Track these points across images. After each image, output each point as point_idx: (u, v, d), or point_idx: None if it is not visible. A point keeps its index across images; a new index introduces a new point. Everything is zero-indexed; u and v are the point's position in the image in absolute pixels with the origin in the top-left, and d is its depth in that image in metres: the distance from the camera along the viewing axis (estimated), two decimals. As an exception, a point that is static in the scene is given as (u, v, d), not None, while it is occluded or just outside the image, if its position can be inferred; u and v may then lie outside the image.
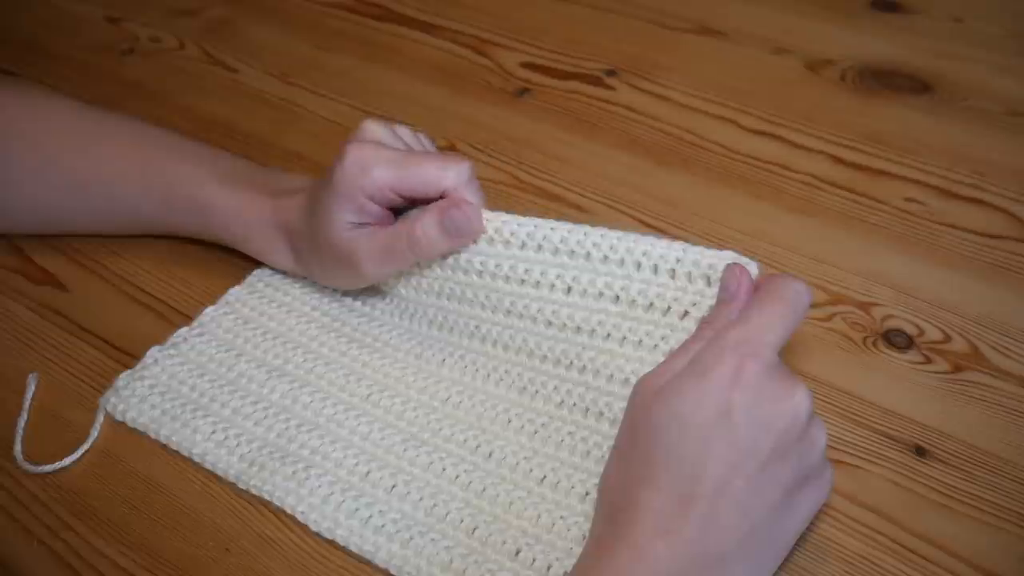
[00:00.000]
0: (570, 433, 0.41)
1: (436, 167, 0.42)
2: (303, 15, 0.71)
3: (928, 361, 0.45)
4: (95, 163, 0.49)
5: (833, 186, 0.54)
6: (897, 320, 0.47)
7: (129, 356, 0.47)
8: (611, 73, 0.64)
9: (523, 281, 0.43)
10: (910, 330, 0.46)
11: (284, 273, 0.50)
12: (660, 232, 0.52)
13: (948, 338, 0.46)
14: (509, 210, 0.46)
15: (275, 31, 0.70)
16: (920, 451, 0.41)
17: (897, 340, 0.46)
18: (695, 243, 0.50)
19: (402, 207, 0.44)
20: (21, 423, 0.44)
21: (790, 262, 0.50)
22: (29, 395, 0.45)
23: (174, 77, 0.66)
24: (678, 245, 0.40)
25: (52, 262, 0.52)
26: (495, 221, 0.43)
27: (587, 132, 0.59)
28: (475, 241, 0.43)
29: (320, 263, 0.46)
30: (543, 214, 0.53)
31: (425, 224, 0.42)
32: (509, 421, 0.43)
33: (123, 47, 0.69)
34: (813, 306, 0.47)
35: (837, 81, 0.61)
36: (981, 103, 0.59)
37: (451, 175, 0.42)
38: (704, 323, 0.37)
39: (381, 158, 0.42)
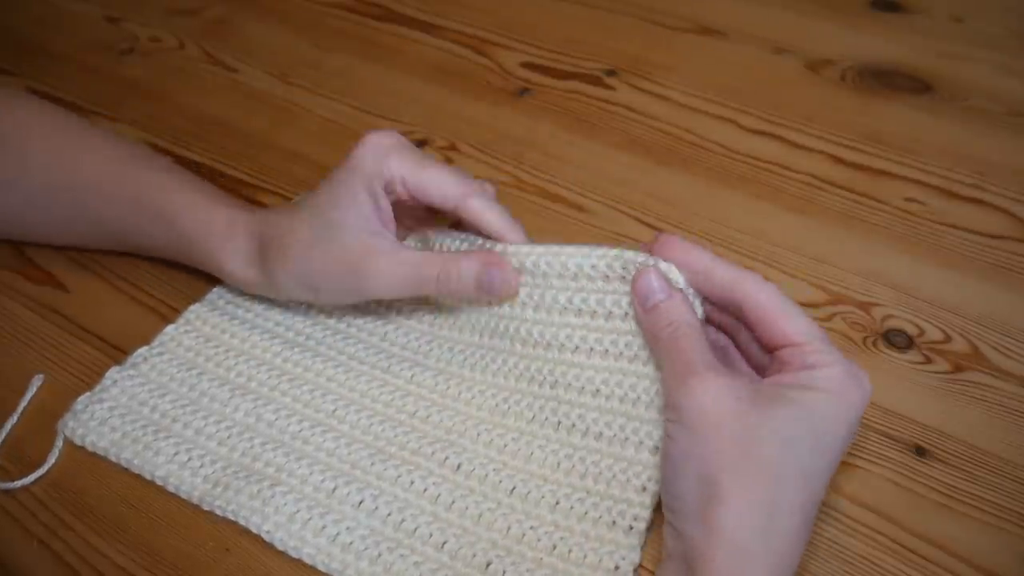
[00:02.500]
0: (540, 447, 0.41)
1: (454, 179, 0.42)
2: (303, 15, 0.71)
3: (928, 361, 0.45)
4: (69, 170, 0.48)
5: (833, 186, 0.54)
6: (897, 320, 0.47)
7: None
8: (611, 73, 0.64)
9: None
10: (910, 330, 0.46)
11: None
12: (660, 232, 0.52)
13: (948, 338, 0.46)
14: (510, 210, 0.46)
15: (275, 31, 0.70)
16: (920, 451, 0.41)
17: (897, 340, 0.46)
18: (694, 243, 0.51)
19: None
20: (8, 426, 0.44)
21: (790, 262, 0.50)
22: (28, 397, 0.45)
23: (174, 77, 0.66)
24: (604, 251, 0.40)
25: (52, 262, 0.52)
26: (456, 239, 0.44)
27: (587, 132, 0.59)
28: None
29: (308, 273, 0.43)
30: (543, 214, 0.54)
31: (464, 269, 0.41)
32: (478, 435, 0.42)
33: (123, 47, 0.69)
34: (813, 306, 0.48)
35: (837, 81, 0.61)
36: (981, 103, 0.59)
37: (472, 195, 0.42)
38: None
39: (398, 147, 0.42)
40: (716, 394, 0.34)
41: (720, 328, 0.41)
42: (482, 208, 0.42)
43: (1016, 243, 0.50)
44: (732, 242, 0.51)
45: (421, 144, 0.59)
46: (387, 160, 0.42)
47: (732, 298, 0.37)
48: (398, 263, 0.42)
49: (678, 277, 0.38)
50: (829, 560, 0.38)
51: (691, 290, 0.38)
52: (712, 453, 0.33)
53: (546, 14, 0.69)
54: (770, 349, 0.37)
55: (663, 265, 0.38)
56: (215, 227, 0.46)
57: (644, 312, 0.38)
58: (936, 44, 0.63)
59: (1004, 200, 0.52)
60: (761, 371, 0.39)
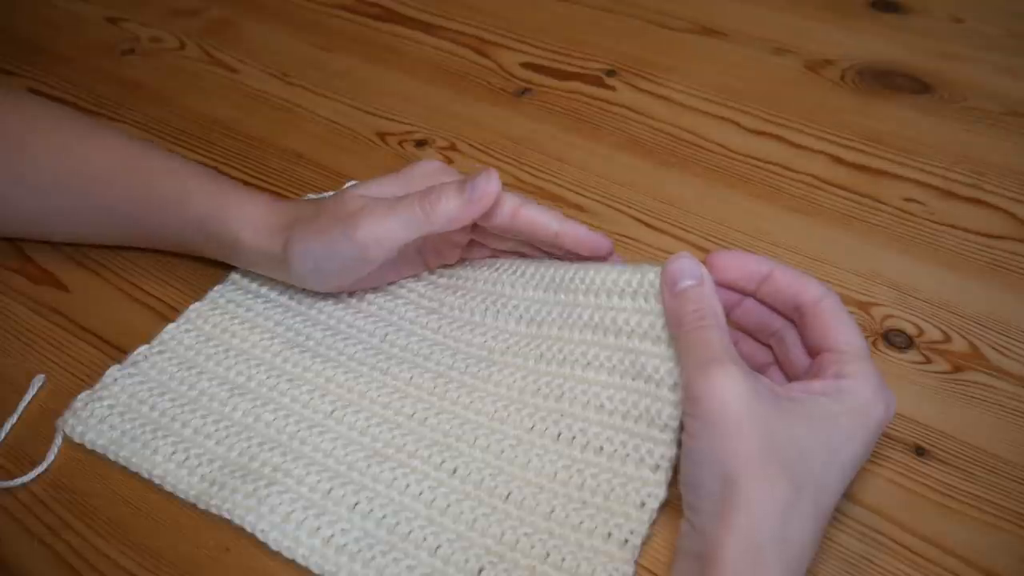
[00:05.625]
0: (538, 455, 0.41)
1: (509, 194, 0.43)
2: (303, 15, 0.72)
3: (928, 361, 0.45)
4: (77, 162, 0.48)
5: (833, 186, 0.54)
6: (897, 320, 0.47)
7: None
8: (611, 73, 0.64)
9: (498, 313, 0.45)
10: (910, 330, 0.46)
11: (246, 288, 0.49)
12: (660, 232, 0.52)
13: (948, 338, 0.46)
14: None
15: (275, 31, 0.70)
16: (920, 451, 0.41)
17: (897, 340, 0.46)
18: (694, 243, 0.51)
19: None
20: (7, 426, 0.44)
21: (790, 262, 0.50)
22: (28, 397, 0.45)
23: (174, 77, 0.66)
24: (633, 267, 0.41)
25: (52, 262, 0.52)
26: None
27: (587, 132, 0.59)
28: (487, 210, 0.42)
29: (315, 243, 0.43)
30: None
31: (444, 185, 0.41)
32: (476, 440, 0.42)
33: (123, 47, 0.69)
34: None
35: (837, 81, 0.61)
36: (981, 103, 0.59)
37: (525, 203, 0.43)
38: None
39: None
40: (737, 389, 0.33)
41: (761, 340, 0.41)
42: (537, 211, 0.43)
43: (1015, 243, 0.50)
44: (732, 242, 0.51)
45: (421, 144, 0.59)
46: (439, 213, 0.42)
47: (793, 300, 0.38)
48: (386, 206, 0.42)
49: (707, 276, 0.38)
50: (829, 560, 0.38)
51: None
52: (732, 452, 0.33)
53: (546, 14, 0.69)
54: (814, 353, 0.37)
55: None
56: (233, 201, 0.46)
57: (671, 296, 0.38)
58: (936, 44, 0.63)
59: (1003, 200, 0.52)
60: (797, 379, 0.39)
